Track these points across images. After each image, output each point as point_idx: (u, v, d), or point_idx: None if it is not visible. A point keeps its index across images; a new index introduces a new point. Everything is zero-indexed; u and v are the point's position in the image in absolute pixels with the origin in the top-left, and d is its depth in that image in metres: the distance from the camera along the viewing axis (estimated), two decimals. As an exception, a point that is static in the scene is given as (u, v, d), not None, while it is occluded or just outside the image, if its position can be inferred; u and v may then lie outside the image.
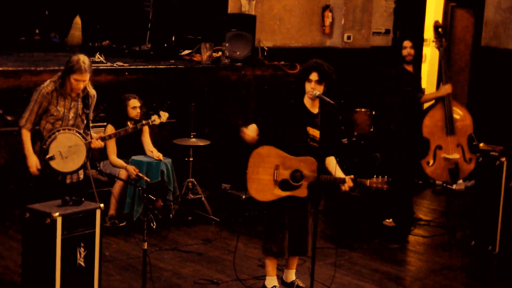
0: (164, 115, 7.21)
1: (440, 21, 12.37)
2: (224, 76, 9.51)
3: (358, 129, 9.81)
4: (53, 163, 6.12)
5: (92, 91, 6.32)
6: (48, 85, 6.15)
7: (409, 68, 8.24)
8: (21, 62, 8.56)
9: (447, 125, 8.28)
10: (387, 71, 8.28)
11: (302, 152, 6.07)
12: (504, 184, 7.44)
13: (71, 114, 6.20)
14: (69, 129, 6.18)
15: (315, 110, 6.12)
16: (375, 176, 6.07)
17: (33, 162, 6.13)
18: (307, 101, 6.12)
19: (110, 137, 6.73)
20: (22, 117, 6.18)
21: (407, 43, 8.20)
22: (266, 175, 6.05)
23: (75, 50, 9.82)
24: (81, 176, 6.44)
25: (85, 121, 6.28)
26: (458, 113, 8.37)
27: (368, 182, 6.05)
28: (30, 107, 6.15)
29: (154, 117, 7.16)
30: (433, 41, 8.64)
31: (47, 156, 6.09)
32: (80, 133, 6.23)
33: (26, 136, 6.16)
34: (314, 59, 6.16)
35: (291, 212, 6.13)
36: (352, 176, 6.06)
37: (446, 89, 8.29)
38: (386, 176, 6.06)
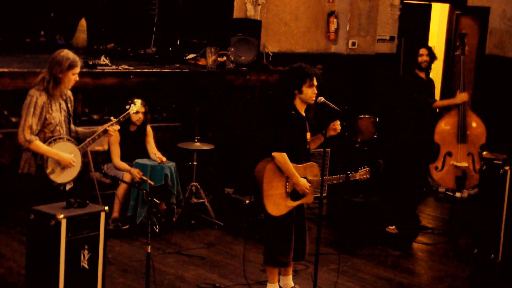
0: (138, 102, 6.98)
1: (445, 29, 12.44)
2: (228, 80, 9.52)
3: (362, 135, 9.81)
4: (53, 177, 5.99)
5: (69, 92, 6.21)
6: (40, 95, 5.95)
7: (422, 75, 8.28)
8: (27, 63, 8.57)
9: (459, 132, 8.29)
10: (404, 77, 8.31)
11: (304, 157, 6.14)
12: (507, 192, 7.44)
13: (62, 118, 6.10)
14: (60, 138, 6.04)
15: (303, 113, 6.17)
16: (360, 168, 6.34)
17: (68, 159, 6.01)
18: (299, 107, 6.12)
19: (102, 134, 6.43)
20: (24, 133, 5.89)
21: (423, 51, 8.25)
22: (279, 189, 6.04)
23: (80, 52, 9.82)
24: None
25: (68, 123, 6.19)
26: (472, 122, 8.37)
27: (357, 175, 6.33)
28: (29, 123, 5.89)
29: (130, 106, 6.89)
30: (456, 49, 8.67)
31: (48, 171, 5.98)
32: (70, 139, 6.13)
33: (41, 144, 5.94)
34: (299, 63, 6.16)
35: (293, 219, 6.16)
36: (344, 175, 6.26)
37: (462, 97, 8.31)
38: (367, 167, 6.34)
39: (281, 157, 5.96)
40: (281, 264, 6.20)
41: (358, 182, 6.39)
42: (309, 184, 6.09)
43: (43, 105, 5.95)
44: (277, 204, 6.02)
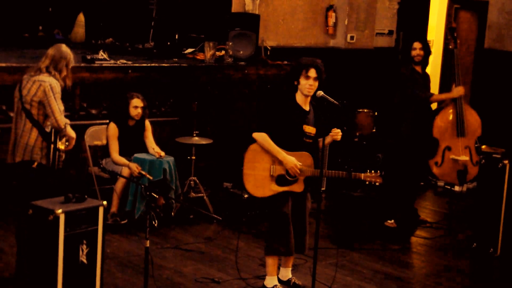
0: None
1: (443, 23, 12.42)
2: (227, 75, 9.51)
3: (361, 129, 9.81)
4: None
5: None
6: (56, 82, 6.18)
7: (418, 69, 8.26)
8: (25, 58, 8.55)
9: (458, 126, 8.28)
10: (400, 71, 8.29)
11: (298, 149, 6.14)
12: (506, 186, 7.44)
13: None
14: None
15: (307, 107, 6.19)
16: (368, 170, 6.22)
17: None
18: (299, 99, 6.16)
19: None
20: (62, 117, 6.15)
21: (417, 45, 8.22)
22: (263, 170, 6.08)
23: (78, 47, 9.82)
24: None
25: None
26: (468, 115, 8.37)
27: (362, 176, 6.19)
28: (62, 107, 6.16)
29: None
30: (448, 43, 8.66)
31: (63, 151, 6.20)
32: None
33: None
34: (306, 57, 6.22)
35: (291, 209, 6.16)
36: (346, 172, 6.18)
37: (459, 90, 8.30)
38: (378, 171, 6.20)
39: (260, 136, 6.05)
40: (280, 253, 6.22)
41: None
42: (300, 163, 6.08)
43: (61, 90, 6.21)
44: (259, 185, 6.09)
